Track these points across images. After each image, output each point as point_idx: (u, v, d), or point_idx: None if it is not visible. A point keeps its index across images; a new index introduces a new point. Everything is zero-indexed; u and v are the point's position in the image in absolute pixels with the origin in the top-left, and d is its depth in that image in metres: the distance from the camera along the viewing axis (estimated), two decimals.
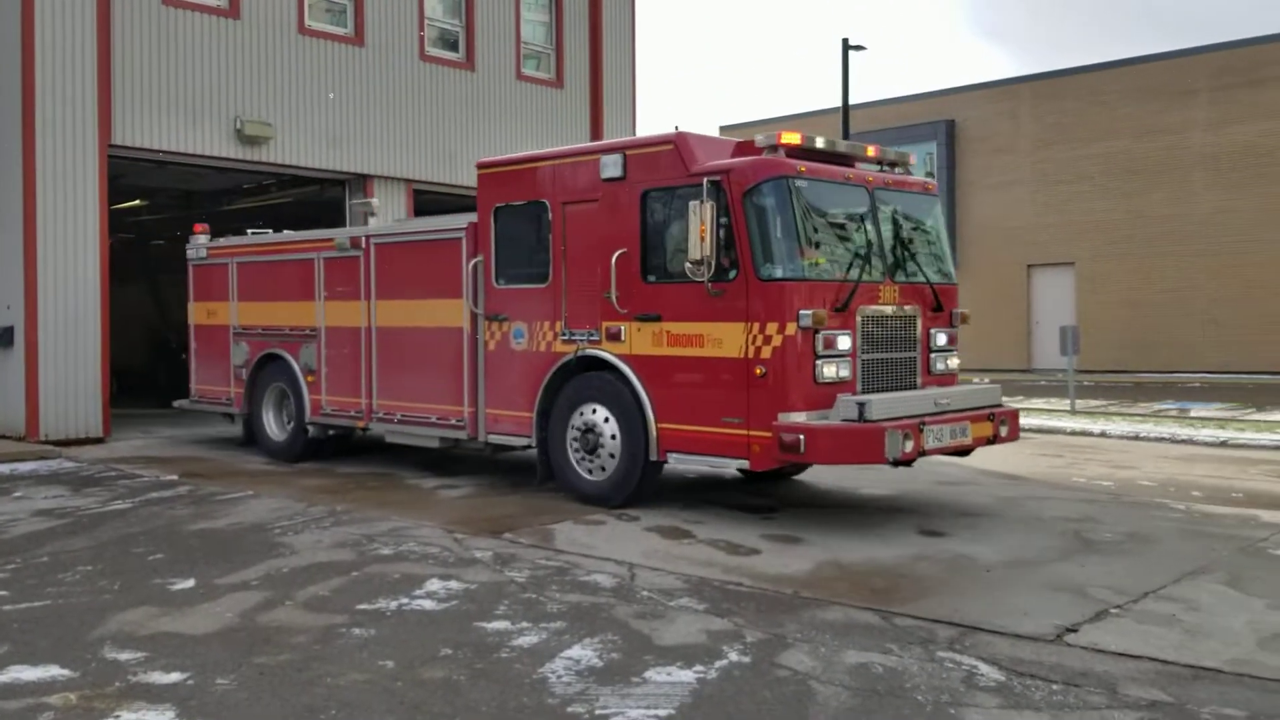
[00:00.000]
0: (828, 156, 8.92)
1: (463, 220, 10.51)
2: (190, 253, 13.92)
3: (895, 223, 9.03)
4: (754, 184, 8.30)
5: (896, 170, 9.47)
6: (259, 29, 15.72)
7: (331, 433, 12.05)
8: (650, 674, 5.08)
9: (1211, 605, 6.23)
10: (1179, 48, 30.35)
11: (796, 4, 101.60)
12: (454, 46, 18.49)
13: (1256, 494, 10.10)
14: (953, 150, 33.96)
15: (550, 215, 9.63)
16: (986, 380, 13.36)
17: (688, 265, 8.35)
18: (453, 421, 10.42)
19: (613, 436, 9.07)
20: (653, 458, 8.86)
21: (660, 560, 7.36)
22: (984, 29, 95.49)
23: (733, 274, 8.31)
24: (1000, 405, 9.30)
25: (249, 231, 13.38)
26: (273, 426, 12.60)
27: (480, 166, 10.44)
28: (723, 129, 43.02)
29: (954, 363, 9.40)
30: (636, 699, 4.77)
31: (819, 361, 8.22)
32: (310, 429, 11.98)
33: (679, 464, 9.00)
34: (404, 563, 7.33)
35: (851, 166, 9.08)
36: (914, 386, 8.94)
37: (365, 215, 12.23)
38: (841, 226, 8.76)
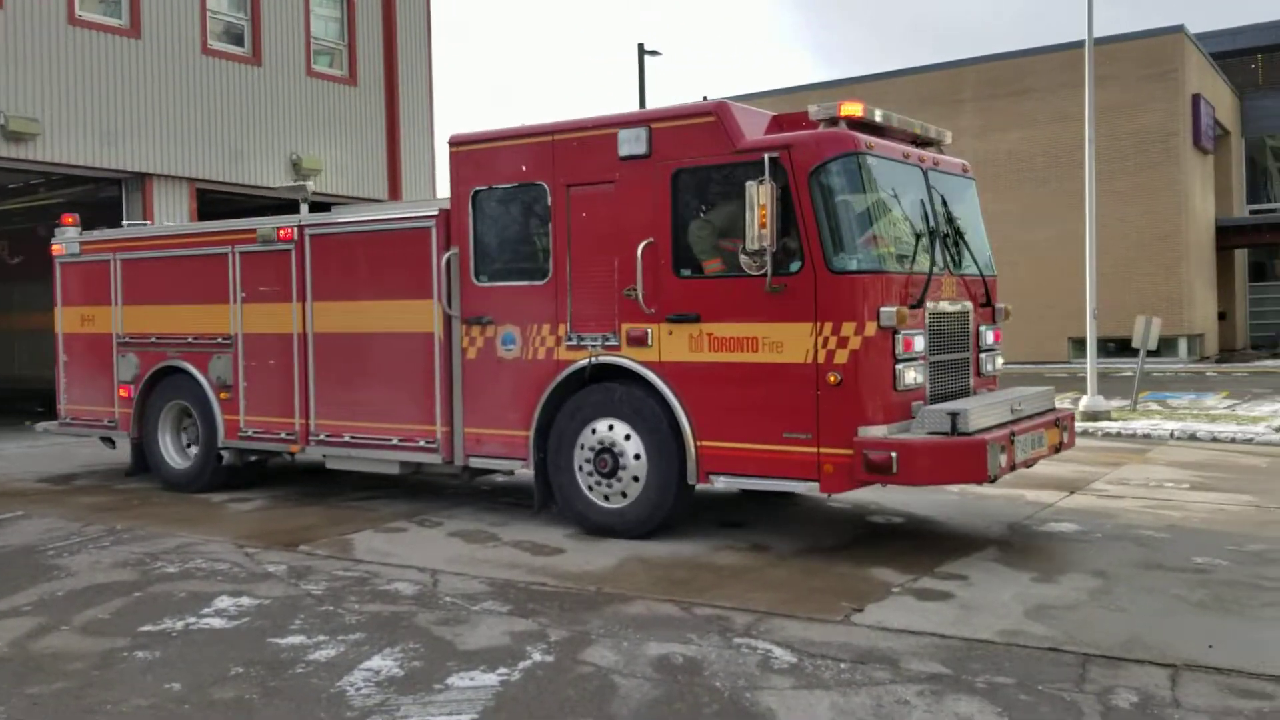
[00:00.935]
0: (876, 131, 7.75)
1: (432, 207, 9.07)
2: (58, 248, 11.70)
3: (947, 208, 8.05)
4: (823, 161, 7.15)
5: (931, 149, 8.37)
6: (24, 19, 14.69)
7: (253, 458, 10.43)
8: (453, 680, 5.04)
9: (984, 580, 6.67)
10: (950, 59, 32.38)
11: (601, 11, 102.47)
12: (239, 40, 17.78)
13: (1022, 475, 10.84)
14: None
15: (550, 200, 8.20)
16: None
17: (742, 257, 7.20)
18: (421, 443, 8.92)
19: (636, 457, 7.80)
20: (691, 481, 7.66)
21: (464, 565, 7.30)
22: (799, 41, 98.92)
23: (796, 266, 7.14)
24: (1056, 408, 8.51)
25: (124, 223, 11.52)
26: (171, 452, 10.71)
27: (454, 143, 8.81)
28: None
29: (1000, 362, 8.57)
30: (438, 706, 4.72)
31: (899, 366, 7.21)
32: (225, 454, 10.25)
33: (722, 486, 7.73)
34: (191, 580, 7.00)
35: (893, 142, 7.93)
36: (968, 390, 8.09)
37: (298, 202, 10.28)
38: (904, 211, 7.72)
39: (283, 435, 9.85)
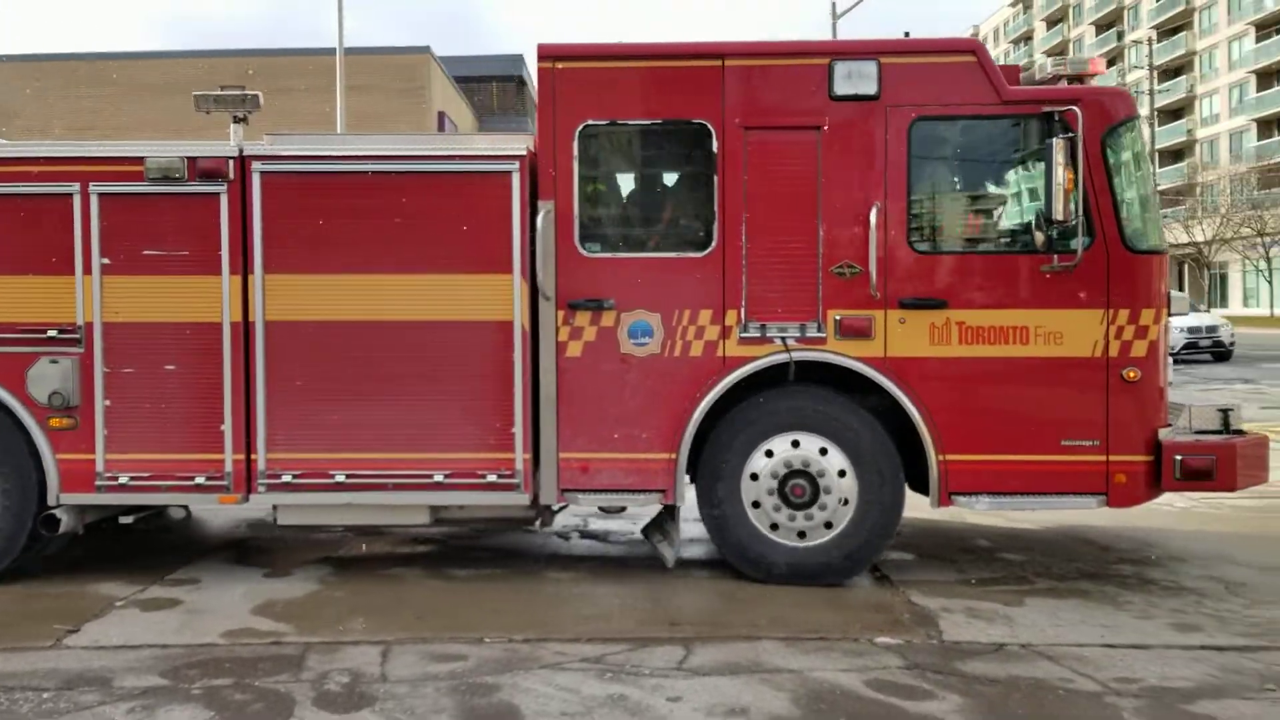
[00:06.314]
0: None
1: (517, 144, 6.50)
2: None
3: None
4: (1118, 123, 6.34)
5: None
6: None
7: (130, 518, 7.00)
8: None
9: (216, 582, 6.61)
10: (205, 48, 31.75)
11: None
12: None
13: None
14: None
15: (718, 145, 6.32)
16: None
17: (1037, 232, 6.20)
18: (490, 478, 6.42)
19: (840, 475, 6.35)
20: (934, 505, 6.39)
21: None
22: None
23: (1084, 243, 6.21)
24: None
25: None
26: None
27: (549, 56, 6.43)
28: None
29: None
30: None
31: (1169, 359, 6.59)
32: (63, 517, 6.51)
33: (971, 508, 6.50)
34: None
35: None
36: None
37: (234, 117, 6.80)
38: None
39: (200, 480, 6.54)
